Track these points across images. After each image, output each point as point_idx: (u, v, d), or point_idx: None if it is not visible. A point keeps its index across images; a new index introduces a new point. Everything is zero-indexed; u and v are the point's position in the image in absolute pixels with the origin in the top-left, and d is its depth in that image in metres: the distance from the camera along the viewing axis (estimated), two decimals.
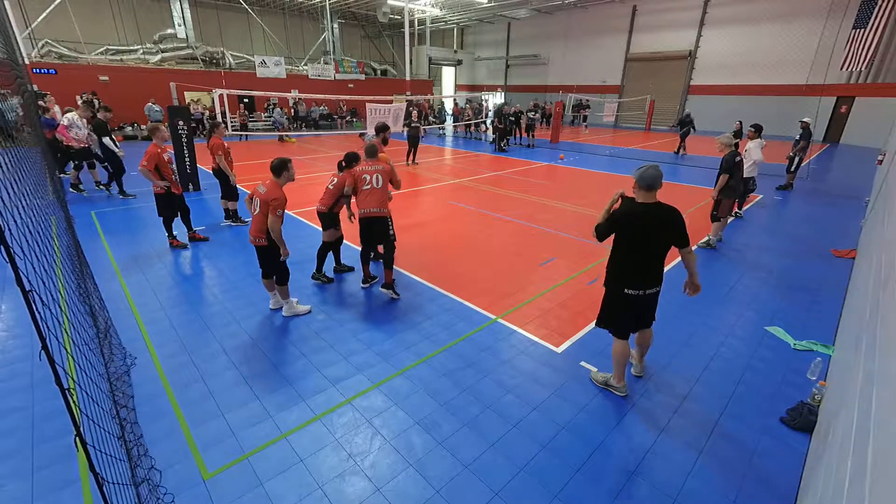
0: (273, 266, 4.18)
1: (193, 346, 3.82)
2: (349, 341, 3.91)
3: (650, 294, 3.02)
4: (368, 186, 4.49)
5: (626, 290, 2.96)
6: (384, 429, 2.92)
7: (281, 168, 4.05)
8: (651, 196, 2.87)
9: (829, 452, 2.09)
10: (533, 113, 17.68)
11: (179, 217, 6.10)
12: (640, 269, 2.95)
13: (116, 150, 8.40)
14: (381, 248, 4.92)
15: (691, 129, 15.80)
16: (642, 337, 3.33)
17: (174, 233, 6.09)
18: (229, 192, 6.93)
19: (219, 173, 6.79)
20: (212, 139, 6.65)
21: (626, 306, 3.04)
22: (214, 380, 3.38)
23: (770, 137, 14.48)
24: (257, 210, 3.96)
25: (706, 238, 6.45)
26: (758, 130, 7.41)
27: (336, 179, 4.90)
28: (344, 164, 4.90)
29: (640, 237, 2.87)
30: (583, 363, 3.65)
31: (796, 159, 10.00)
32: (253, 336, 3.98)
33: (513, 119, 17.09)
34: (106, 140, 8.34)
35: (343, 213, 5.09)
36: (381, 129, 5.73)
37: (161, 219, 5.98)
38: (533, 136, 17.77)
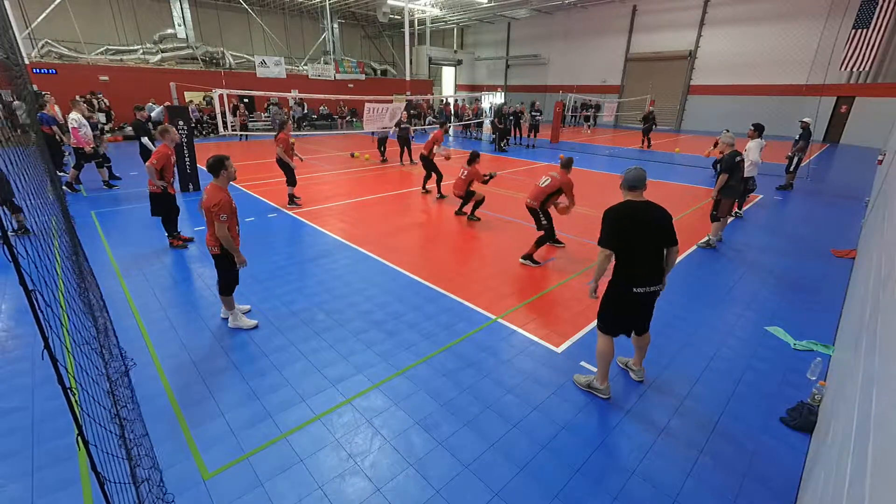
0: (224, 275, 3.90)
1: (193, 346, 3.82)
2: (349, 341, 3.91)
3: (653, 291, 3.03)
4: (539, 183, 5.79)
5: (634, 289, 2.97)
6: (384, 429, 2.93)
7: (218, 167, 3.64)
8: (639, 195, 3.01)
9: (829, 452, 2.09)
10: (537, 113, 17.65)
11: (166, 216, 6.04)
12: (645, 266, 2.97)
13: (153, 149, 8.49)
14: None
15: (653, 126, 17.39)
16: (640, 339, 3.32)
17: (174, 232, 6.10)
18: (292, 178, 8.13)
19: (280, 163, 7.95)
20: (280, 134, 7.85)
21: (632, 305, 3.05)
22: (214, 380, 3.38)
23: (770, 137, 14.45)
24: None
25: (706, 238, 6.45)
26: (758, 130, 7.35)
27: (466, 171, 7.13)
28: (470, 158, 7.16)
29: (639, 230, 2.94)
30: (583, 363, 3.66)
31: (795, 159, 10.00)
32: (253, 336, 3.98)
33: (512, 119, 17.04)
34: (144, 140, 8.76)
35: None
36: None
37: (159, 219, 5.99)
38: (535, 135, 17.72)
